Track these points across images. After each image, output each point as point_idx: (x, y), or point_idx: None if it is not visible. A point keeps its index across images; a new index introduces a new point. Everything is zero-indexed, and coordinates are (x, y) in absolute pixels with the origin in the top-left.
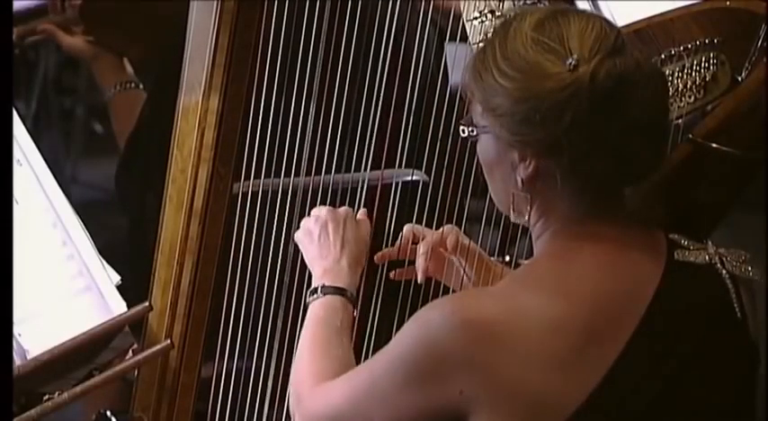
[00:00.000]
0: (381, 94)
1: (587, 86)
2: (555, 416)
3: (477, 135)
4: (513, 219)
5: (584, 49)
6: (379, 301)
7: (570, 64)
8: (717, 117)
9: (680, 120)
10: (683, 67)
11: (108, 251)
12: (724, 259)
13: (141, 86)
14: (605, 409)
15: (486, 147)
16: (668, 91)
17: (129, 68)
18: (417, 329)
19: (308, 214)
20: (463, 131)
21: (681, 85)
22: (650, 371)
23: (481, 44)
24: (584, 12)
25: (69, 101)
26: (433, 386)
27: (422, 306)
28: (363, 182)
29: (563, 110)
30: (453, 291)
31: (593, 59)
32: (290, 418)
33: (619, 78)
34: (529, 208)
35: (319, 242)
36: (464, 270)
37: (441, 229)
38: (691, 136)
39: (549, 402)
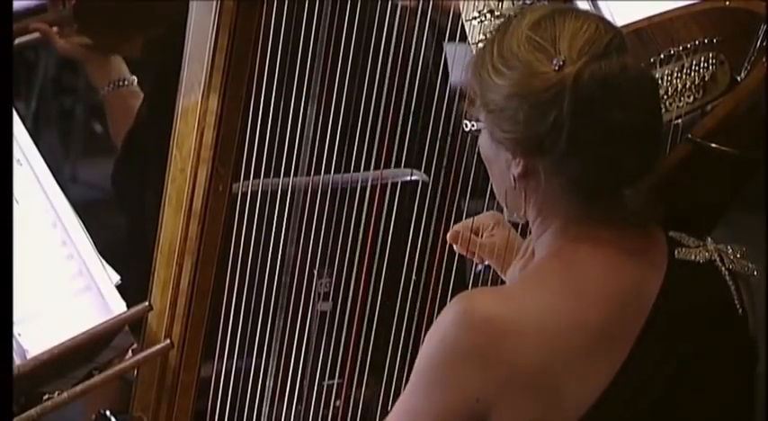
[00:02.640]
0: (381, 95)
1: (570, 87)
2: (568, 417)
3: (478, 130)
4: (508, 215)
5: (573, 50)
6: (377, 301)
7: (556, 64)
8: (716, 117)
9: (679, 120)
10: (683, 66)
11: (108, 251)
12: (723, 255)
13: (135, 83)
14: (613, 411)
15: (484, 143)
16: (658, 96)
17: (124, 67)
18: (434, 333)
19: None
20: (466, 125)
21: (680, 85)
22: (654, 372)
23: (481, 43)
24: (584, 12)
25: (69, 101)
26: (451, 392)
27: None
28: (363, 182)
29: (547, 109)
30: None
31: (578, 61)
32: (289, 417)
33: (603, 82)
34: (524, 205)
35: None
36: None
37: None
38: (690, 136)
39: (561, 403)
